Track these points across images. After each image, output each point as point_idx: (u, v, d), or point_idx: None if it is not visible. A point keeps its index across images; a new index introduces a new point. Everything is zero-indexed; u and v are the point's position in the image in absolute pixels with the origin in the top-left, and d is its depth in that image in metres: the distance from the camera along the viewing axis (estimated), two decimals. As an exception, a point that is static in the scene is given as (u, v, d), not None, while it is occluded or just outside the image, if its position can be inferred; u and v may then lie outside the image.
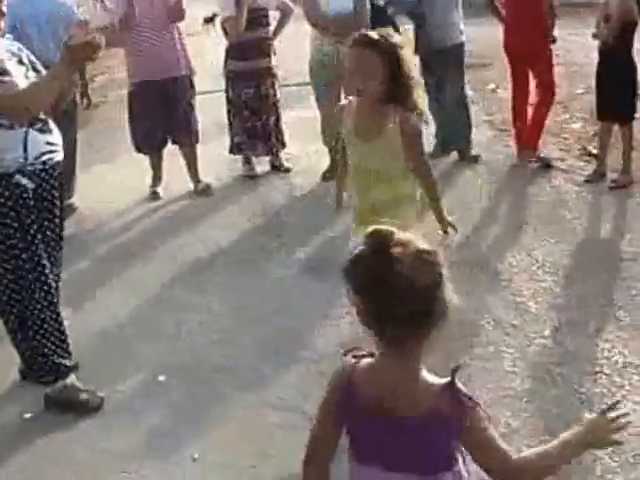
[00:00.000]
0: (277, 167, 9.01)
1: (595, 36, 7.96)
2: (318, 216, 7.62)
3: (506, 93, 11.18)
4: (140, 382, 5.21)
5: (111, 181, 8.81)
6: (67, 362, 4.96)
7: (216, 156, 9.02)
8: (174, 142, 8.44)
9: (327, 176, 8.63)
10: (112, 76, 13.28)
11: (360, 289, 2.31)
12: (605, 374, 4.95)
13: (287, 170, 8.97)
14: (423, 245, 2.33)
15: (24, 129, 4.62)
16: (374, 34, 4.31)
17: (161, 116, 8.17)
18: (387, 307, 2.28)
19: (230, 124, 8.77)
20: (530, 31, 8.40)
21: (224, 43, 8.72)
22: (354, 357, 2.49)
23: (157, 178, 8.47)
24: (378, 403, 2.41)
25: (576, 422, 4.32)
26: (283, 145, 9.00)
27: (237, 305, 6.10)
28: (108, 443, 4.63)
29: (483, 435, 2.40)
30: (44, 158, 4.72)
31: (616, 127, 7.97)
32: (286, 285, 6.39)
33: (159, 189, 8.43)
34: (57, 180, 4.87)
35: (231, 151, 8.90)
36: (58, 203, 4.92)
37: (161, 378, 5.20)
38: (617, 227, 7.20)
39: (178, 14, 8.11)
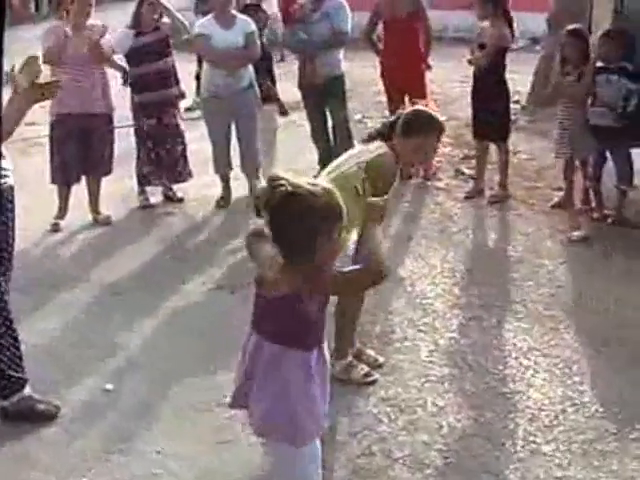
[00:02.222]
0: (170, 197, 9.32)
1: (470, 62, 8.65)
2: (219, 240, 8.11)
3: (372, 122, 11.91)
4: (89, 392, 5.47)
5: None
6: (22, 375, 5.20)
7: (112, 188, 9.24)
8: (86, 175, 8.71)
9: (220, 204, 9.08)
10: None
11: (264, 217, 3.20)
12: (513, 358, 5.57)
13: (180, 200, 9.28)
14: (306, 189, 3.13)
15: None
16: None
17: (78, 151, 8.47)
18: (276, 231, 3.19)
19: (137, 156, 9.07)
20: (407, 60, 9.09)
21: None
22: None
23: (63, 211, 8.63)
24: None
25: (494, 398, 5.02)
26: (190, 174, 9.31)
27: (167, 322, 6.46)
28: (71, 446, 4.89)
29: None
30: None
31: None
32: (206, 302, 6.80)
33: (61, 222, 8.63)
34: (11, 203, 5.17)
35: (139, 182, 9.17)
36: (11, 224, 5.21)
37: (109, 386, 5.50)
38: (500, 236, 7.89)
39: (98, 56, 8.41)
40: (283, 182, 3.11)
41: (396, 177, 5.04)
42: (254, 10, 9.36)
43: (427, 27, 9.28)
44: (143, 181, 9.17)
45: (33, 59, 4.96)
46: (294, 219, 3.12)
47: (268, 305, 3.39)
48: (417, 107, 5.11)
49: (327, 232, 3.15)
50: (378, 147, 5.01)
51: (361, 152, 5.10)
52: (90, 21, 8.42)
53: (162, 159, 9.05)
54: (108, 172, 8.81)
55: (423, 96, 9.30)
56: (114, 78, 8.92)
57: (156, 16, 8.80)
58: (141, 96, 8.88)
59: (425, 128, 4.96)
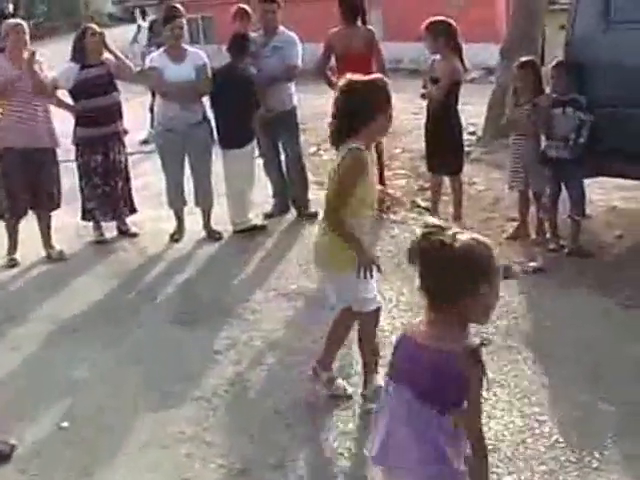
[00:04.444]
0: (124, 232, 9.30)
1: (423, 96, 8.67)
2: (173, 274, 8.06)
3: (326, 155, 11.96)
4: (45, 430, 5.40)
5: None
6: (-24, 414, 5.16)
7: (64, 223, 9.23)
8: (32, 208, 8.63)
9: (175, 238, 9.05)
10: None
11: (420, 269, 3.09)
12: (472, 389, 5.55)
13: (134, 234, 9.28)
14: (465, 238, 3.04)
15: None
16: None
17: (24, 185, 8.41)
18: (430, 282, 3.09)
19: (82, 191, 9.00)
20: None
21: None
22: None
23: (13, 245, 8.58)
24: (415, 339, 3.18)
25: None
26: (133, 210, 9.30)
27: (122, 356, 6.40)
28: (31, 485, 4.84)
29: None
30: None
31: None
32: (160, 336, 6.75)
33: (17, 256, 8.56)
34: None
35: (83, 217, 9.11)
36: None
37: (65, 424, 5.43)
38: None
39: (42, 89, 8.36)
40: (439, 230, 3.06)
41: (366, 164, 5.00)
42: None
43: (381, 61, 9.27)
44: (88, 217, 9.13)
45: None
46: (448, 265, 3.03)
47: None
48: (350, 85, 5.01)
49: (476, 283, 3.02)
50: (345, 151, 4.98)
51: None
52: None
53: (108, 195, 9.00)
54: (56, 207, 8.75)
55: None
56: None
57: (101, 47, 8.77)
58: (86, 131, 8.80)
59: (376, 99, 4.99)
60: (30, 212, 8.69)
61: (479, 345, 3.14)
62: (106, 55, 8.83)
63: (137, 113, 12.49)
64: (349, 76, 5.03)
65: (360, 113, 4.95)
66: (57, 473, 4.94)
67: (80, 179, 8.99)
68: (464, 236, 3.05)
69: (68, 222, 9.28)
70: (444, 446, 3.11)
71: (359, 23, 9.27)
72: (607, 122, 7.47)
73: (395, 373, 3.25)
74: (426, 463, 3.13)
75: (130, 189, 9.23)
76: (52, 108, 8.77)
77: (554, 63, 7.81)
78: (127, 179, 9.19)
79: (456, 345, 3.07)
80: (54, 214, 8.85)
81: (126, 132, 9.20)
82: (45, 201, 8.62)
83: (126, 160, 9.20)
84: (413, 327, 3.29)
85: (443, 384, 3.07)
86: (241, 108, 8.69)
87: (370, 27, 9.43)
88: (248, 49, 8.89)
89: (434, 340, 3.10)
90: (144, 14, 29.22)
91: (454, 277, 3.01)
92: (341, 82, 5.06)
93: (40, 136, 8.39)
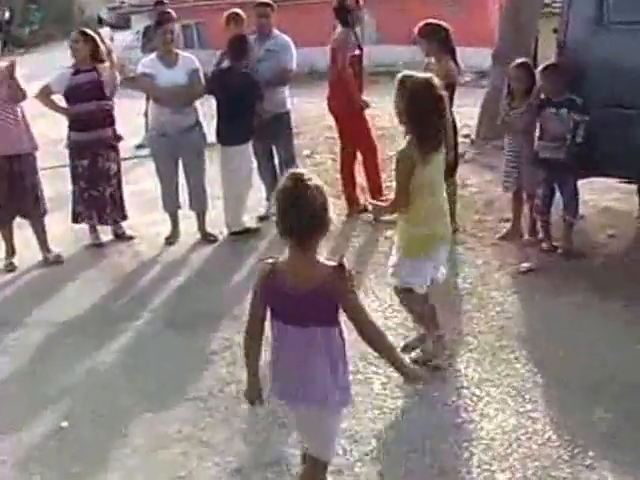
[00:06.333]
0: (120, 236, 9.36)
1: (417, 99, 8.67)
2: (168, 277, 8.12)
3: (320, 158, 11.98)
4: (44, 431, 5.46)
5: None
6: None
7: (61, 227, 9.30)
8: (22, 216, 8.66)
9: (170, 241, 9.09)
10: None
11: (279, 209, 3.71)
12: (465, 388, 5.60)
13: (130, 238, 9.34)
14: (318, 182, 3.71)
15: None
16: None
17: (8, 191, 8.42)
18: (294, 221, 3.66)
19: (73, 194, 9.04)
20: (335, 95, 9.21)
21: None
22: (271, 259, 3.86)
23: (11, 250, 8.65)
24: (289, 281, 3.77)
25: (448, 429, 5.02)
26: (123, 217, 9.34)
27: (118, 359, 6.46)
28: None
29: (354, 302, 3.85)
30: None
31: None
32: (154, 340, 6.79)
33: (14, 260, 8.61)
34: None
35: (74, 220, 9.14)
36: None
37: (64, 424, 5.50)
38: (450, 268, 7.80)
39: (19, 95, 8.35)
40: (308, 177, 3.71)
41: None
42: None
43: (343, 63, 9.19)
44: (78, 219, 9.16)
45: None
46: (312, 201, 3.64)
47: None
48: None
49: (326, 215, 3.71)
50: None
51: None
52: None
53: (94, 199, 9.01)
54: (43, 213, 8.77)
55: (360, 130, 9.40)
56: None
57: (87, 53, 8.75)
58: (77, 135, 8.83)
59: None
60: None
61: (340, 261, 3.75)
62: (105, 61, 8.86)
63: (132, 118, 12.51)
64: None
65: None
66: (55, 474, 4.99)
67: (72, 182, 9.04)
68: (315, 178, 3.72)
69: (65, 226, 9.30)
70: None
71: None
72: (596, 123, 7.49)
73: (289, 318, 3.84)
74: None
75: (121, 196, 9.24)
76: (46, 111, 8.86)
77: (542, 66, 7.83)
78: (119, 186, 9.21)
79: (324, 272, 3.72)
80: (50, 218, 8.90)
81: (120, 138, 9.19)
82: (32, 208, 8.62)
83: (118, 167, 9.19)
84: (279, 269, 3.81)
85: (331, 304, 3.75)
86: (244, 106, 8.71)
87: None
88: (247, 51, 8.90)
89: (308, 278, 3.73)
90: (102, 21, 29.15)
91: (318, 210, 3.64)
92: None
93: (19, 141, 8.37)
